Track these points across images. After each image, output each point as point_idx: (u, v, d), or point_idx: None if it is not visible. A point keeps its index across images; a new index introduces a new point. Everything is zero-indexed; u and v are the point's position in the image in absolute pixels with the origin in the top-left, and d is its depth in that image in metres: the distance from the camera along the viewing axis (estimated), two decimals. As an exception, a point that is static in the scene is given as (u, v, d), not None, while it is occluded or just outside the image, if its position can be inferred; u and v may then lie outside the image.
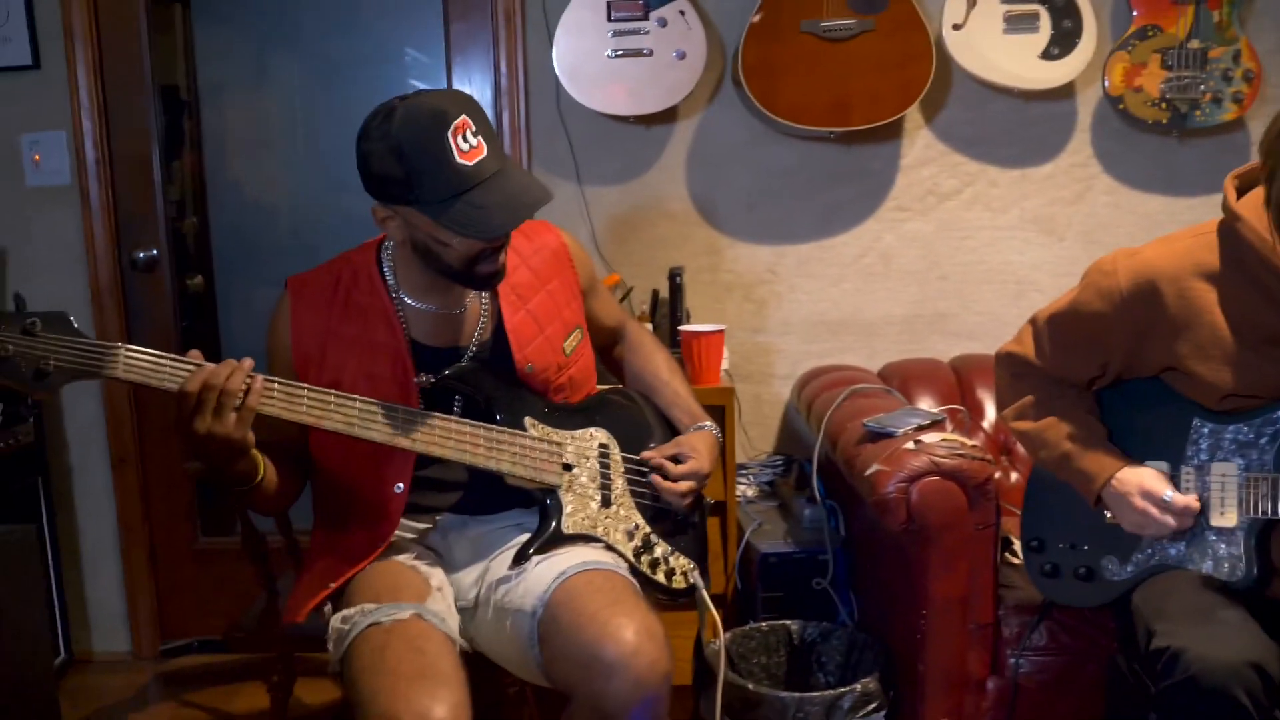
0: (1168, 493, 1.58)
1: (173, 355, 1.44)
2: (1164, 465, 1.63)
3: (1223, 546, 1.58)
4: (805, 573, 2.31)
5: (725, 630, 2.23)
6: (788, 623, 2.20)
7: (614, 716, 1.46)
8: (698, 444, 1.80)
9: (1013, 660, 1.89)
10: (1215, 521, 1.58)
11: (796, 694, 1.93)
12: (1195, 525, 1.60)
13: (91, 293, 2.69)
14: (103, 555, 2.81)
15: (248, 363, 1.46)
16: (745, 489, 2.63)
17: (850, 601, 2.31)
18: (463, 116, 1.51)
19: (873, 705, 1.92)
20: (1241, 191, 1.58)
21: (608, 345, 1.98)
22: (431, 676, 1.44)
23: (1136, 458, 1.65)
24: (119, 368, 1.40)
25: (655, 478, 1.75)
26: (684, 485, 1.75)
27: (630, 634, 1.47)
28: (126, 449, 2.75)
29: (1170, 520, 1.58)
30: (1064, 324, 1.71)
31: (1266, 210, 1.40)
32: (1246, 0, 2.59)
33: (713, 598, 2.31)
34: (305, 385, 1.53)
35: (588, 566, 1.60)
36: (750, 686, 1.96)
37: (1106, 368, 1.69)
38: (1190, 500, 1.58)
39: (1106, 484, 1.63)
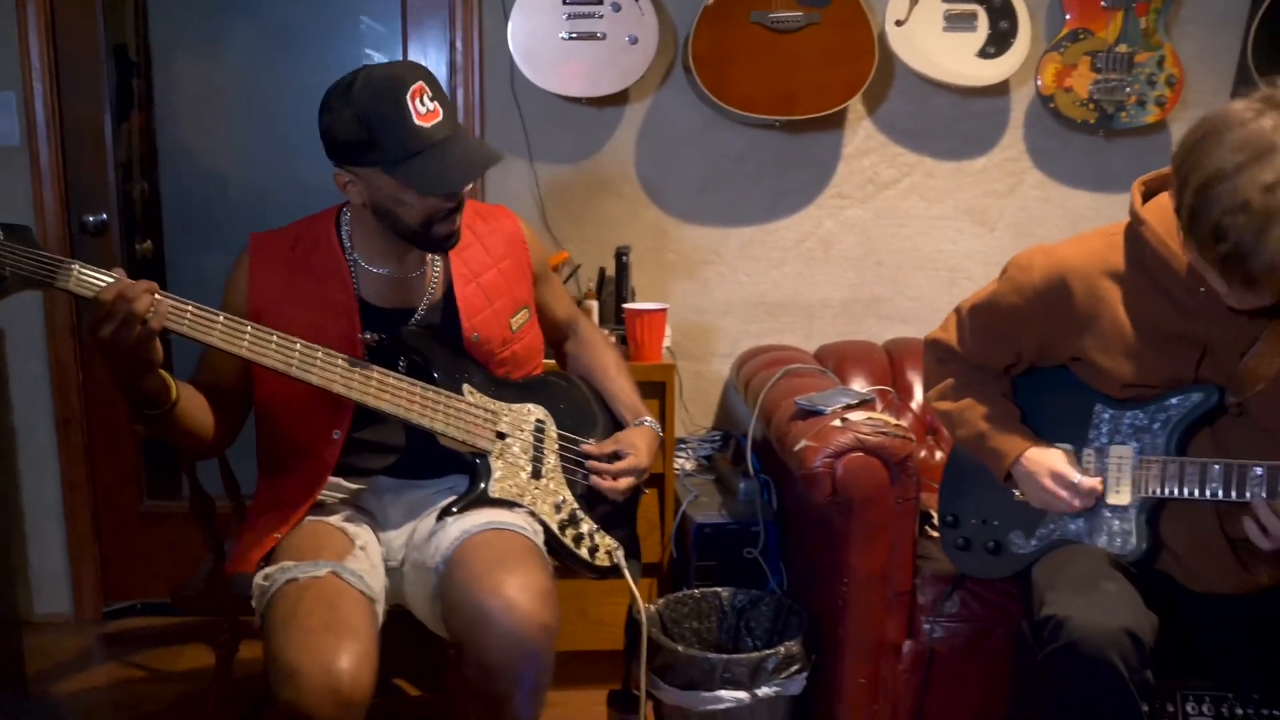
0: (1076, 476, 1.70)
1: (117, 272, 1.49)
2: (1069, 446, 1.74)
3: (1117, 522, 1.70)
4: (738, 543, 2.41)
5: (660, 596, 2.34)
6: (719, 590, 2.30)
7: (495, 669, 1.54)
8: (637, 440, 1.88)
9: (927, 626, 2.00)
10: (1111, 499, 1.70)
11: (724, 655, 2.03)
12: (1094, 503, 1.72)
13: (39, 254, 2.69)
14: (46, 517, 2.82)
15: (153, 285, 1.49)
16: (684, 463, 2.73)
17: (780, 571, 2.41)
18: (419, 82, 1.62)
19: (795, 667, 2.03)
20: (1148, 196, 1.69)
21: (559, 339, 2.06)
22: (338, 630, 1.50)
23: (1045, 438, 1.77)
24: (71, 282, 1.46)
25: (595, 479, 1.83)
26: (622, 483, 1.83)
27: (511, 589, 1.54)
28: (72, 409, 2.76)
29: (1075, 500, 1.70)
30: (983, 315, 1.82)
31: (1177, 217, 1.51)
32: (1172, 8, 2.71)
33: (649, 566, 2.42)
34: (262, 328, 1.59)
35: (490, 526, 1.67)
36: (680, 649, 2.05)
37: (1021, 356, 1.81)
38: (1095, 482, 1.70)
39: (1016, 461, 1.74)
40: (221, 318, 1.57)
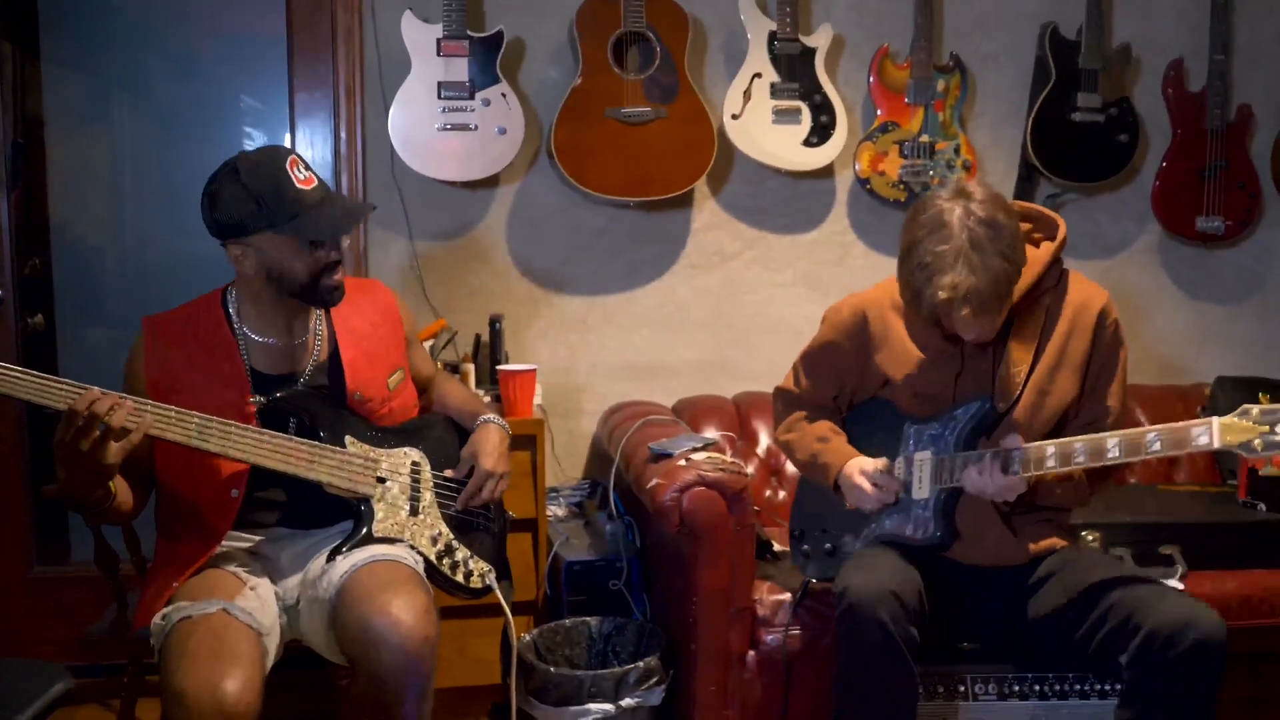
0: (871, 465, 2.08)
1: (45, 374, 1.67)
2: (884, 460, 2.10)
3: (920, 512, 2.05)
4: (604, 578, 2.65)
5: (534, 627, 2.58)
6: (588, 619, 2.54)
7: (385, 680, 1.75)
8: (478, 444, 2.09)
9: (768, 637, 2.29)
10: (915, 494, 2.06)
11: (590, 671, 2.28)
12: (901, 500, 2.06)
13: (-67, 331, 2.80)
14: (-67, 585, 2.88)
15: (129, 403, 1.69)
16: (556, 510, 2.97)
17: (642, 601, 2.67)
18: (292, 155, 1.90)
19: (654, 680, 2.29)
20: None
21: (422, 391, 2.29)
22: (224, 658, 1.69)
23: (872, 455, 2.12)
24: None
25: (469, 503, 2.08)
26: (486, 490, 2.08)
27: (395, 609, 1.76)
28: (-36, 481, 2.85)
29: (877, 489, 2.05)
30: (812, 357, 2.22)
31: (898, 278, 1.94)
32: (965, 104, 3.18)
33: (525, 603, 2.66)
34: (162, 405, 1.78)
35: (375, 559, 1.90)
36: (552, 669, 2.29)
37: (844, 383, 2.19)
38: (880, 464, 2.07)
39: (840, 472, 2.10)
40: (158, 407, 1.76)
